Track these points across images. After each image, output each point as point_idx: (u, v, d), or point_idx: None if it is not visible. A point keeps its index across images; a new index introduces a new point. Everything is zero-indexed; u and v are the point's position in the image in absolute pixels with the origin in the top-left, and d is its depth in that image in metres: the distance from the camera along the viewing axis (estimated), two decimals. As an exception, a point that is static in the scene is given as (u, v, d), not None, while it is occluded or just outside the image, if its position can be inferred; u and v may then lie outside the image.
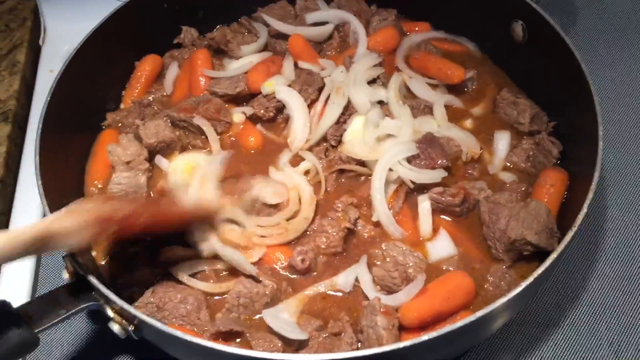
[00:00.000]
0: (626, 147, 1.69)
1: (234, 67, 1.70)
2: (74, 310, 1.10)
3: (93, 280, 1.08)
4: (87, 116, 1.59)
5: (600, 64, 1.86)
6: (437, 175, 1.40)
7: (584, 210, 1.16)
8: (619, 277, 1.46)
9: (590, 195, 1.17)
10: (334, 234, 1.35)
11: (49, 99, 1.42)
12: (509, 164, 1.49)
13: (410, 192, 1.43)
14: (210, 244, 1.31)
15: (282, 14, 1.81)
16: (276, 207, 1.41)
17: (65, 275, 1.15)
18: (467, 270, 1.31)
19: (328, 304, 1.28)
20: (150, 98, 1.68)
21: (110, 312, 1.11)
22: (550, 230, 1.26)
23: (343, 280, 1.30)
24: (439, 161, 1.41)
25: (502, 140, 1.53)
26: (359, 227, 1.40)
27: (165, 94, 1.70)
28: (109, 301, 1.09)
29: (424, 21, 1.81)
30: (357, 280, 1.30)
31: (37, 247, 0.97)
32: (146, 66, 1.70)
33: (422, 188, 1.42)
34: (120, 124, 1.60)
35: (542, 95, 1.57)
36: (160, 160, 1.51)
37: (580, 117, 1.37)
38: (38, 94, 1.85)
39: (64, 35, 1.96)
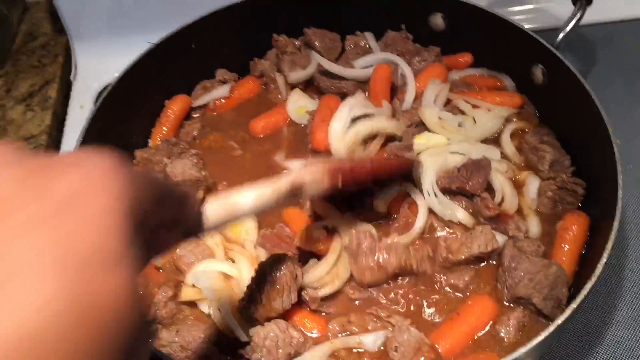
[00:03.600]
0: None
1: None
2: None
3: None
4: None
5: (619, 104, 1.88)
6: (460, 216, 1.43)
7: (588, 286, 1.15)
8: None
9: (598, 270, 1.17)
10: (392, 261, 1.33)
11: (81, 139, 1.47)
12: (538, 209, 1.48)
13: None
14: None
15: (331, 46, 1.84)
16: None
17: None
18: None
19: (352, 358, 1.28)
20: (179, 136, 1.73)
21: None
22: (559, 302, 1.26)
23: (371, 341, 1.27)
24: (470, 188, 1.42)
25: (532, 186, 1.51)
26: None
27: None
28: None
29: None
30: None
31: (289, 196, 1.09)
32: (176, 105, 1.75)
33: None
34: (148, 161, 1.65)
35: (564, 135, 1.58)
36: None
37: (600, 162, 1.38)
38: (69, 128, 1.91)
39: (94, 71, 2.03)
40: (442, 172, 1.47)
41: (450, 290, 1.36)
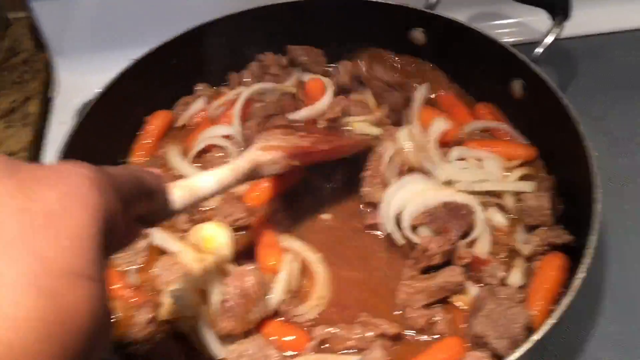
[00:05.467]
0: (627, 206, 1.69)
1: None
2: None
3: None
4: (96, 170, 1.63)
5: (601, 118, 1.88)
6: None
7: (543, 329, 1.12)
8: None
9: (556, 314, 1.14)
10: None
11: (59, 155, 1.45)
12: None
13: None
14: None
15: (316, 60, 1.86)
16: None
17: None
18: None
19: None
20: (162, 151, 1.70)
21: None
22: (516, 342, 1.20)
23: None
24: (448, 235, 1.37)
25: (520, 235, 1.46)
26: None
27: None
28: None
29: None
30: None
31: (249, 176, 1.20)
32: (156, 121, 1.75)
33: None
34: (129, 178, 1.64)
35: (544, 151, 1.60)
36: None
37: (578, 177, 1.38)
38: (49, 145, 1.89)
39: (75, 87, 2.01)
40: (422, 207, 1.44)
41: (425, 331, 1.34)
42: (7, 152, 1.85)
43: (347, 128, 1.69)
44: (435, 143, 1.60)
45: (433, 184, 1.50)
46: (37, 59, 2.13)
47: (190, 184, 1.03)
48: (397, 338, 1.31)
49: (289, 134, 1.39)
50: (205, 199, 1.07)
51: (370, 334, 1.30)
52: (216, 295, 1.33)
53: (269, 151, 1.26)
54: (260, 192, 1.57)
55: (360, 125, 1.69)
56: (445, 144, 1.62)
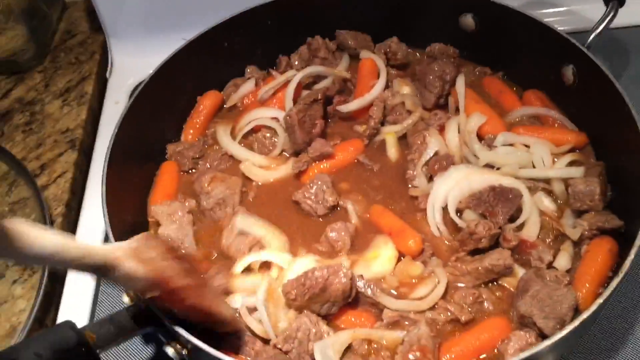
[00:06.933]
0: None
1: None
2: (133, 334, 1.16)
3: (152, 307, 1.15)
4: (149, 147, 1.69)
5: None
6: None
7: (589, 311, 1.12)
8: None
9: (604, 295, 1.14)
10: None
11: (115, 131, 1.50)
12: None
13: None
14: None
15: (364, 45, 1.88)
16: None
17: (126, 299, 1.22)
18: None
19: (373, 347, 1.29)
20: (212, 131, 1.76)
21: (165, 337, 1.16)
22: (562, 322, 1.21)
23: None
24: (495, 219, 1.38)
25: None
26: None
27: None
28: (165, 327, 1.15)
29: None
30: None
31: (99, 271, 1.02)
32: (207, 101, 1.79)
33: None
34: (180, 155, 1.69)
35: (594, 137, 1.58)
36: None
37: (629, 163, 1.38)
38: (103, 123, 1.96)
39: (129, 68, 2.08)
40: (467, 191, 1.46)
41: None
42: (63, 129, 1.92)
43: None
44: (474, 135, 1.60)
45: (477, 169, 1.51)
46: (93, 40, 2.20)
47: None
48: (468, 323, 1.32)
49: (166, 258, 1.10)
50: (25, 259, 0.94)
51: (441, 317, 1.32)
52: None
53: (133, 261, 1.03)
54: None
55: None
56: (487, 133, 1.62)
